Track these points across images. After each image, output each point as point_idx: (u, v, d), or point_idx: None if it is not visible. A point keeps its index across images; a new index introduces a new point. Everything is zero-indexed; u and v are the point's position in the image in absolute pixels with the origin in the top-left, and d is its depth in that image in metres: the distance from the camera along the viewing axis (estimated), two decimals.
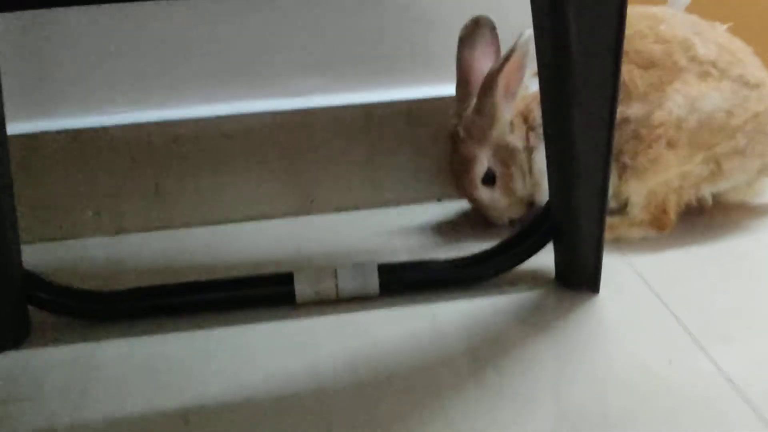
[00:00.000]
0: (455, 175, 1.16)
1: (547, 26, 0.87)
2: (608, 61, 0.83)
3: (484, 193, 1.14)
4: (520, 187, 1.14)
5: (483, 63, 1.13)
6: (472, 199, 1.16)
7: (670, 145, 1.06)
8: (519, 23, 1.03)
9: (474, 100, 1.12)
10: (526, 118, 1.13)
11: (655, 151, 1.07)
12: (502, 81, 1.08)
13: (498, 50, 1.14)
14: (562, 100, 0.90)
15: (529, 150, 1.13)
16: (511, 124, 1.12)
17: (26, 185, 1.15)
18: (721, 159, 1.09)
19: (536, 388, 0.85)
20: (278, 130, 1.21)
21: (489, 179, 1.14)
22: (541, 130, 1.07)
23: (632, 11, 1.08)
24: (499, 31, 1.13)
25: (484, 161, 1.13)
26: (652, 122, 1.06)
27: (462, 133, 1.12)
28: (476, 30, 1.12)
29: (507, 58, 1.06)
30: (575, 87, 0.87)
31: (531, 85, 1.13)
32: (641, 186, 1.09)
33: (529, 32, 1.03)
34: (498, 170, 1.13)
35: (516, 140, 1.12)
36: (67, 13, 1.13)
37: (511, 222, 1.18)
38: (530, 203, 1.16)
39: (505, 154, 1.13)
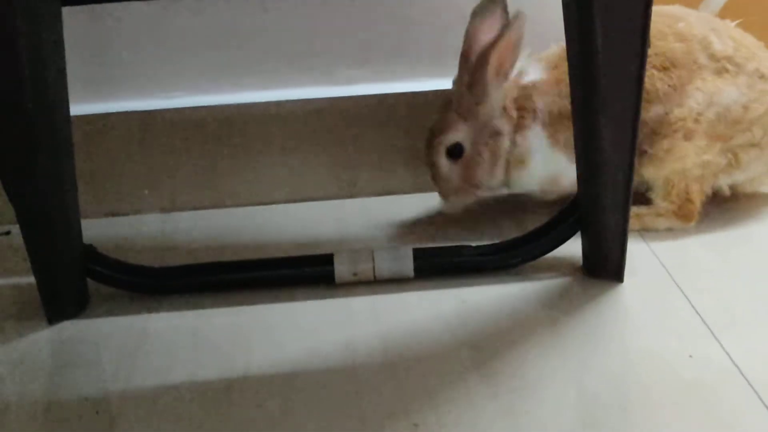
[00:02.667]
0: (429, 135, 1.14)
1: (575, 35, 0.90)
2: (633, 65, 0.86)
3: (442, 162, 1.13)
4: (483, 175, 1.13)
5: (487, 37, 1.09)
6: (430, 164, 1.14)
7: (687, 137, 1.09)
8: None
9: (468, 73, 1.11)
10: (522, 106, 1.12)
11: (671, 142, 1.09)
12: (494, 59, 1.06)
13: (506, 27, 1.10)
14: (590, 103, 0.92)
15: (519, 128, 1.12)
16: (504, 109, 1.11)
17: (86, 164, 1.20)
18: (738, 151, 1.11)
19: (557, 372, 0.88)
20: (324, 117, 1.24)
21: (455, 152, 1.12)
22: (538, 114, 1.11)
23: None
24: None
25: (459, 133, 1.11)
26: (670, 120, 1.09)
27: (454, 102, 1.12)
28: (488, 5, 1.10)
29: (500, 35, 1.05)
30: (601, 91, 0.90)
31: (530, 71, 1.13)
32: (658, 173, 1.11)
33: (525, 14, 1.03)
34: (468, 149, 1.12)
35: (503, 125, 1.11)
36: (130, 5, 1.17)
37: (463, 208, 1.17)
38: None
39: (485, 136, 1.11)
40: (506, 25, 1.05)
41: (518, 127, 1.12)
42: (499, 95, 1.10)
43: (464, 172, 1.13)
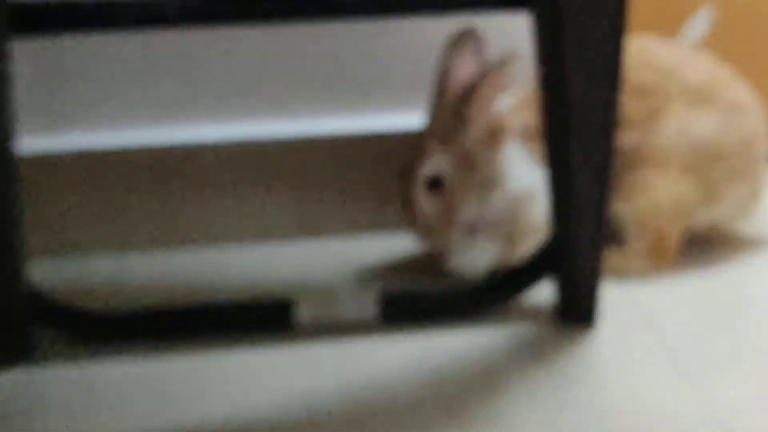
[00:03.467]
0: (406, 168, 1.11)
1: (547, 67, 0.90)
2: (606, 101, 0.87)
3: (421, 196, 1.09)
4: (465, 207, 1.09)
5: (462, 70, 1.11)
6: (406, 200, 1.10)
7: (659, 168, 1.09)
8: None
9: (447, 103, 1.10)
10: (495, 128, 1.10)
11: (643, 173, 1.09)
12: (483, 89, 1.07)
13: (481, 63, 1.12)
14: (563, 139, 0.92)
15: (495, 150, 1.10)
16: (483, 134, 1.09)
17: (36, 202, 1.17)
18: (713, 183, 1.11)
19: (530, 420, 0.86)
20: (285, 156, 1.23)
21: (434, 184, 1.09)
22: (512, 131, 1.10)
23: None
24: None
25: (438, 162, 1.09)
26: (643, 148, 1.09)
27: (427, 131, 1.10)
28: (461, 38, 1.11)
29: (494, 68, 1.06)
30: (574, 126, 0.89)
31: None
32: (630, 206, 1.10)
33: (517, 51, 1.04)
34: (449, 180, 1.08)
35: (483, 151, 1.09)
36: (82, 36, 1.15)
37: (435, 265, 1.12)
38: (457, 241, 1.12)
39: (466, 165, 1.09)
40: (500, 60, 1.06)
41: (493, 148, 1.10)
42: (482, 123, 1.09)
43: (445, 205, 1.09)
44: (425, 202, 1.10)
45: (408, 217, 1.12)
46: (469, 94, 1.08)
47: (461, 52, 1.11)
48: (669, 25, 1.25)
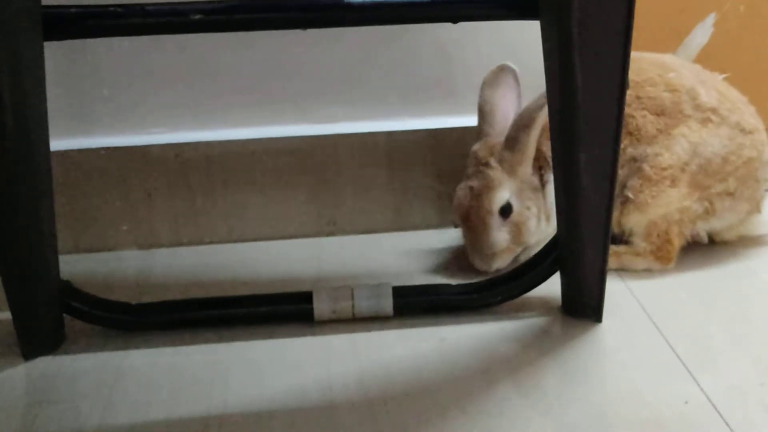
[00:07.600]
0: (472, 197, 1.13)
1: (556, 74, 0.91)
2: (612, 106, 0.88)
3: (495, 223, 1.12)
4: (530, 232, 1.14)
5: (505, 104, 1.16)
6: (482, 225, 1.13)
7: (673, 184, 1.11)
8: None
9: (497, 137, 1.14)
10: (537, 157, 1.15)
11: (659, 189, 1.11)
12: (540, 120, 1.10)
13: (519, 96, 1.17)
14: (570, 141, 0.93)
15: (543, 184, 1.15)
16: (533, 165, 1.14)
17: (66, 199, 1.21)
18: (714, 199, 1.14)
19: (537, 411, 0.88)
20: (305, 155, 1.25)
21: (506, 211, 1.12)
22: (549, 161, 1.12)
23: (644, 58, 1.14)
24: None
25: (507, 192, 1.12)
26: (660, 164, 1.11)
27: (493, 163, 1.13)
28: (500, 74, 1.16)
29: (543, 100, 1.08)
30: (581, 129, 0.91)
31: None
32: (642, 218, 1.13)
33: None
34: (516, 207, 1.12)
35: (535, 179, 1.15)
36: (111, 40, 1.18)
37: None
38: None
39: (528, 193, 1.13)
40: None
41: (543, 181, 1.16)
42: (533, 153, 1.13)
43: (514, 230, 1.14)
44: (497, 229, 1.13)
45: (476, 242, 1.14)
46: (528, 122, 1.10)
47: (499, 88, 1.16)
48: (672, 40, 1.27)
